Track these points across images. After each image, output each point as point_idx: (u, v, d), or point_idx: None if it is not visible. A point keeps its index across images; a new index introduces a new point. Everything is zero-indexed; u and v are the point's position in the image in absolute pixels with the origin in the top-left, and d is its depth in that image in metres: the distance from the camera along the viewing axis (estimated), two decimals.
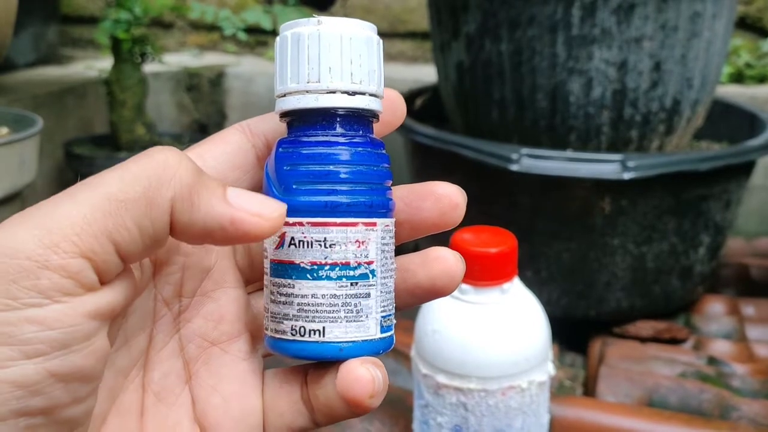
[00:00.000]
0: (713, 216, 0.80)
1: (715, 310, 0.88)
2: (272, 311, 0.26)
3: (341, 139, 0.26)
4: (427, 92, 1.03)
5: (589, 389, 0.73)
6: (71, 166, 1.16)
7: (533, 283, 0.80)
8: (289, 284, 0.26)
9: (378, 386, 0.25)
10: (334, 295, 0.26)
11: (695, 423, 0.64)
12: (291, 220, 0.26)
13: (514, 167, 0.73)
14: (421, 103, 1.02)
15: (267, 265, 0.27)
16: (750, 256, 1.05)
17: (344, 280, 0.26)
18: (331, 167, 0.26)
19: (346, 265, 0.26)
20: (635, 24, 0.75)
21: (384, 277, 0.26)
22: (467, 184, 0.90)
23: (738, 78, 1.28)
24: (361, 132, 0.27)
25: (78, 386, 0.22)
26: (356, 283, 0.26)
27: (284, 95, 0.26)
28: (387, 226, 0.27)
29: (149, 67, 1.23)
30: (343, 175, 0.26)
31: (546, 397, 0.52)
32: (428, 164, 0.86)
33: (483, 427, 0.49)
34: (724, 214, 0.81)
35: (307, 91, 0.26)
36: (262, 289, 0.29)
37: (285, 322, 0.26)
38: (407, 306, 0.28)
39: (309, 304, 0.26)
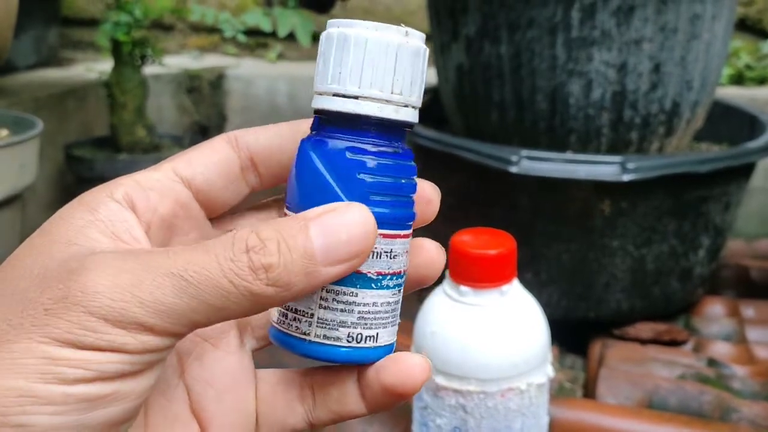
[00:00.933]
0: (713, 218, 0.80)
1: (715, 311, 0.88)
2: (322, 317, 0.26)
3: (402, 152, 0.27)
4: (427, 94, 1.03)
5: (589, 391, 0.73)
6: (72, 169, 1.17)
7: (533, 285, 0.80)
8: (352, 293, 0.26)
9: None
10: (388, 302, 0.27)
11: (695, 425, 0.64)
12: None
13: (514, 169, 0.73)
14: (421, 105, 1.02)
15: None
16: (750, 258, 1.05)
17: (396, 288, 0.27)
18: (403, 180, 0.26)
19: (399, 275, 0.27)
20: (635, 26, 0.75)
21: None
22: (467, 185, 0.90)
23: (738, 79, 1.28)
24: (407, 145, 0.27)
25: (132, 405, 0.23)
26: (400, 291, 0.27)
27: (356, 97, 0.26)
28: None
29: (150, 69, 1.24)
30: (406, 189, 0.27)
31: (545, 399, 0.52)
32: (428, 166, 0.86)
33: (482, 429, 0.49)
34: (723, 215, 0.81)
35: (388, 101, 0.26)
36: None
37: (341, 329, 0.26)
38: None
39: (369, 312, 0.26)
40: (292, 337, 0.27)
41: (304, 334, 0.27)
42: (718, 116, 0.93)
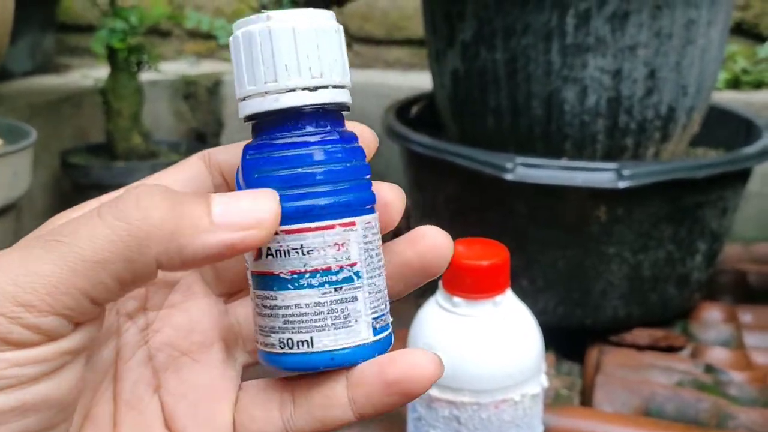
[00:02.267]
0: (709, 223, 0.80)
1: (712, 317, 0.88)
2: (260, 324, 0.26)
3: (309, 139, 0.25)
4: (422, 100, 1.03)
5: (586, 398, 0.73)
6: (67, 175, 1.16)
7: (529, 292, 0.79)
8: (272, 296, 0.25)
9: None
10: (318, 302, 0.25)
11: None
12: None
13: (509, 176, 0.73)
14: (417, 111, 1.01)
15: (249, 277, 0.26)
16: (748, 262, 1.05)
17: (327, 286, 0.25)
18: (300, 170, 0.24)
19: (327, 271, 0.24)
20: (630, 32, 0.75)
21: (371, 277, 0.25)
22: (462, 192, 0.90)
23: (734, 84, 1.27)
24: (329, 128, 0.25)
25: (51, 414, 0.22)
26: (340, 288, 0.25)
27: (244, 98, 0.25)
28: (368, 222, 0.25)
29: (146, 75, 1.23)
30: (314, 177, 0.24)
31: (539, 410, 0.52)
32: (424, 173, 0.86)
33: None
34: (720, 221, 0.81)
35: (266, 93, 0.24)
36: (241, 298, 0.29)
37: (272, 335, 0.25)
38: (398, 294, 0.27)
39: (294, 315, 0.25)
40: (258, 350, 0.26)
41: (256, 342, 0.26)
42: (714, 121, 0.93)
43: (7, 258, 0.21)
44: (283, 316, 0.25)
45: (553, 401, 0.73)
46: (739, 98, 1.19)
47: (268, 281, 0.25)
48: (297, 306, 0.25)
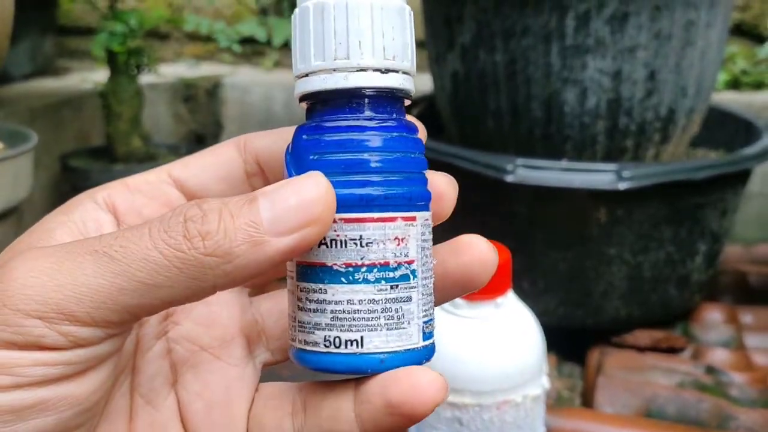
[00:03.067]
0: (709, 224, 0.80)
1: (713, 318, 0.88)
2: (300, 320, 0.23)
3: (374, 123, 0.23)
4: (423, 102, 1.03)
5: (587, 399, 0.73)
6: (67, 179, 1.16)
7: (530, 293, 0.79)
8: (321, 289, 0.23)
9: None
10: (373, 300, 0.23)
11: None
12: None
13: (510, 178, 0.73)
14: (417, 113, 1.01)
15: (292, 268, 0.24)
16: (748, 263, 1.05)
17: (383, 282, 0.23)
18: (365, 155, 0.23)
19: (385, 266, 0.23)
20: (629, 33, 0.75)
21: (425, 278, 0.24)
22: (463, 194, 0.90)
23: (734, 84, 1.28)
24: (394, 115, 0.24)
25: (71, 414, 0.21)
26: (396, 286, 0.23)
27: (306, 75, 0.23)
28: (426, 220, 0.24)
29: (146, 78, 1.23)
30: (378, 164, 0.23)
31: (541, 411, 0.52)
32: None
33: None
34: (720, 222, 0.81)
35: (334, 69, 0.23)
36: (265, 292, 0.28)
37: (317, 332, 0.23)
38: (435, 303, 0.25)
39: (345, 312, 0.23)
40: (291, 347, 0.24)
41: (292, 340, 0.24)
42: (714, 122, 0.93)
43: (52, 261, 0.21)
44: (332, 312, 0.23)
45: (554, 402, 0.73)
46: (739, 99, 1.20)
47: (318, 273, 0.23)
48: (349, 302, 0.23)
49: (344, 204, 0.22)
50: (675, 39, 0.76)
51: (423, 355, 0.23)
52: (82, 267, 0.20)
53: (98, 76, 1.35)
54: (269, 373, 0.28)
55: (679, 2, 0.75)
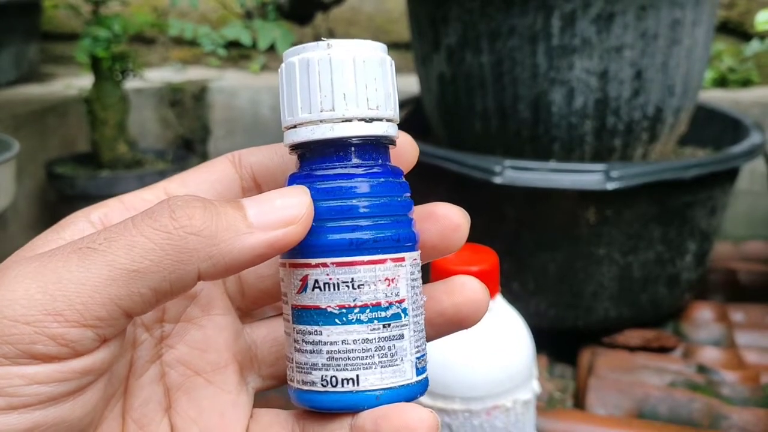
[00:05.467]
0: (699, 223, 0.80)
1: (703, 316, 0.88)
2: (298, 361, 0.24)
3: (361, 170, 0.24)
4: (410, 104, 1.03)
5: (579, 400, 0.73)
6: (53, 186, 1.15)
7: (520, 295, 0.79)
8: (316, 331, 0.24)
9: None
10: (367, 339, 0.24)
11: None
12: (313, 261, 0.24)
13: (498, 179, 0.72)
14: (405, 115, 1.01)
15: (288, 311, 0.25)
16: (738, 261, 1.05)
17: (376, 322, 0.24)
18: (354, 201, 0.24)
19: (377, 306, 0.24)
20: (615, 33, 0.74)
21: (415, 315, 0.25)
22: (452, 197, 0.89)
23: (721, 82, 1.28)
24: (380, 161, 0.25)
25: None
26: (389, 325, 0.24)
27: (294, 126, 0.24)
28: (414, 260, 0.25)
29: (132, 83, 1.23)
30: (366, 209, 0.24)
31: (532, 416, 0.52)
32: (412, 178, 0.86)
33: None
34: (709, 220, 0.81)
35: (321, 121, 0.24)
36: (259, 319, 0.28)
37: (314, 372, 0.24)
38: (428, 339, 0.26)
39: (339, 352, 0.24)
40: (290, 387, 0.25)
41: (290, 380, 0.25)
42: (702, 120, 0.93)
43: (35, 264, 0.21)
44: (328, 352, 0.24)
45: (546, 404, 0.73)
46: (726, 97, 1.20)
47: (313, 315, 0.24)
48: (344, 342, 0.24)
49: (335, 248, 0.24)
50: (661, 38, 0.76)
51: (417, 390, 0.24)
52: (66, 265, 0.20)
53: (83, 81, 1.34)
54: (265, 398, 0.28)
55: (664, 1, 0.74)
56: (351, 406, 0.24)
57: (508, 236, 0.78)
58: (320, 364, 0.24)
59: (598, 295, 0.79)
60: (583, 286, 0.79)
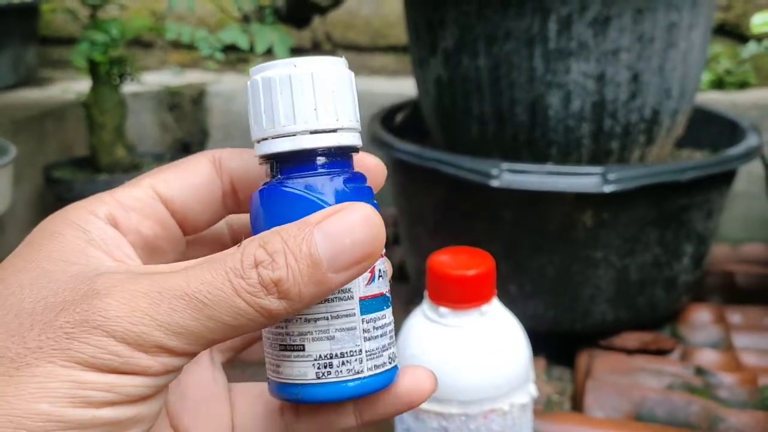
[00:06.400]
0: (695, 226, 0.80)
1: (701, 319, 0.88)
2: (369, 349, 0.26)
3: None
4: (407, 107, 1.03)
5: (577, 403, 0.73)
6: (51, 190, 1.15)
7: (518, 298, 0.79)
8: (383, 315, 0.27)
9: None
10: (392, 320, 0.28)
11: None
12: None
13: (495, 183, 0.73)
14: (402, 118, 1.01)
15: (354, 305, 0.26)
16: (735, 263, 1.05)
17: (390, 305, 0.28)
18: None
19: (389, 294, 0.28)
20: (611, 36, 0.75)
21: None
22: (449, 200, 0.89)
23: (718, 84, 1.28)
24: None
25: (147, 428, 0.24)
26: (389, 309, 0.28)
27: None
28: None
29: (130, 87, 1.22)
30: None
31: (529, 419, 0.52)
32: (410, 181, 0.86)
33: None
34: (706, 223, 0.81)
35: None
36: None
37: (384, 353, 0.26)
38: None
39: (393, 329, 0.27)
40: (342, 383, 0.26)
41: (358, 372, 0.26)
42: (699, 123, 0.93)
43: (148, 302, 0.22)
44: (390, 331, 0.27)
45: (544, 407, 0.73)
46: (724, 99, 1.20)
47: (380, 302, 0.27)
48: (392, 321, 0.28)
49: None
50: (658, 41, 0.76)
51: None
52: (178, 311, 0.22)
53: (81, 86, 1.34)
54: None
55: (661, 4, 0.75)
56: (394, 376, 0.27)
57: (505, 239, 0.78)
58: (387, 344, 0.27)
59: (596, 298, 0.79)
60: (580, 289, 0.79)
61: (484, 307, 0.49)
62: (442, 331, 0.49)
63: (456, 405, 0.48)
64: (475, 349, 0.49)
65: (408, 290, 0.91)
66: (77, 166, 1.20)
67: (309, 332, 0.26)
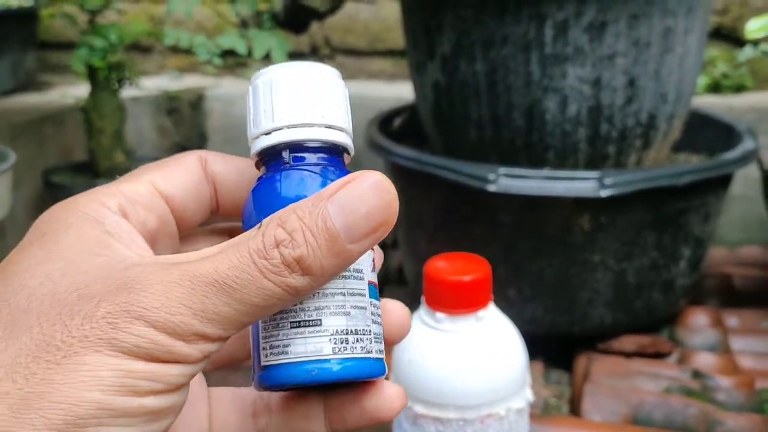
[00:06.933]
0: (693, 229, 0.80)
1: (698, 322, 0.88)
2: (376, 333, 0.27)
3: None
4: (405, 111, 1.03)
5: (575, 406, 0.73)
6: (51, 194, 1.16)
7: (516, 302, 0.79)
8: (379, 305, 0.28)
9: None
10: None
11: None
12: None
13: (492, 187, 0.73)
14: (400, 123, 1.01)
15: (364, 287, 0.27)
16: (733, 266, 1.05)
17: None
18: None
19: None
20: (607, 41, 0.75)
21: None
22: (447, 204, 0.90)
23: (715, 88, 1.28)
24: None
25: (176, 416, 0.24)
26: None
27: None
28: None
29: (129, 92, 1.23)
30: None
31: (526, 424, 0.52)
32: (408, 185, 0.86)
33: None
34: (703, 226, 0.81)
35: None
36: None
37: (381, 342, 0.27)
38: None
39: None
40: (358, 358, 0.26)
41: (369, 352, 0.26)
42: (695, 126, 0.93)
43: (182, 291, 0.23)
44: (380, 323, 0.28)
45: (542, 411, 0.73)
46: (720, 102, 1.20)
47: (377, 291, 0.28)
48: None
49: None
50: (654, 46, 0.77)
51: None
52: (209, 298, 0.23)
53: (80, 90, 1.34)
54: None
55: (656, 10, 0.75)
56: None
57: (503, 243, 0.78)
58: (380, 334, 0.27)
59: (594, 302, 0.79)
60: (578, 293, 0.79)
61: (481, 313, 0.49)
62: (439, 337, 0.50)
63: (453, 410, 0.48)
64: (471, 354, 0.49)
65: (406, 294, 0.91)
66: (76, 170, 1.20)
67: (327, 306, 0.26)
